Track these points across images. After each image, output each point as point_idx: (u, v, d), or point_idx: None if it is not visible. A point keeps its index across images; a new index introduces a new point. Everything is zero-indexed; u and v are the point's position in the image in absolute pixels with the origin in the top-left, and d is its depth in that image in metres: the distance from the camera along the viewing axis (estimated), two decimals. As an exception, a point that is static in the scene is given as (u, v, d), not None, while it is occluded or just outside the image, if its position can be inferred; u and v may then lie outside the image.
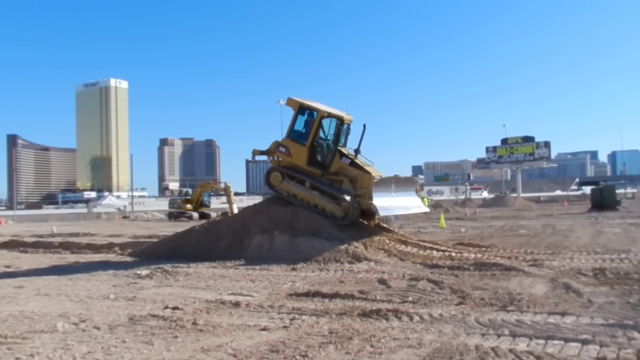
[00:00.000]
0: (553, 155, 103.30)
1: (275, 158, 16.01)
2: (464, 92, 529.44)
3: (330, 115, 15.43)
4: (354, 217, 14.47)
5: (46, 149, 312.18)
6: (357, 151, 15.24)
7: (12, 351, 5.72)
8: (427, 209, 17.03)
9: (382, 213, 14.70)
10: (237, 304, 7.90)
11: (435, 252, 13.18)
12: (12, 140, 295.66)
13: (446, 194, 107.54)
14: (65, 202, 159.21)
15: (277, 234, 13.85)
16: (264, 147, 16.45)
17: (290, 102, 15.61)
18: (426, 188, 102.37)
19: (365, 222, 15.44)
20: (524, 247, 14.89)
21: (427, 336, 5.92)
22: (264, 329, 6.42)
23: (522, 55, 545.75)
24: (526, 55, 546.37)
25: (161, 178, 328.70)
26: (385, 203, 14.44)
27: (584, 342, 5.51)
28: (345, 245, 12.94)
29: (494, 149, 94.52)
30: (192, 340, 6.02)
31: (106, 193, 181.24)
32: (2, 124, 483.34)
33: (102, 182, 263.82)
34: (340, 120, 15.40)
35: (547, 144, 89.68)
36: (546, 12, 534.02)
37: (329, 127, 15.52)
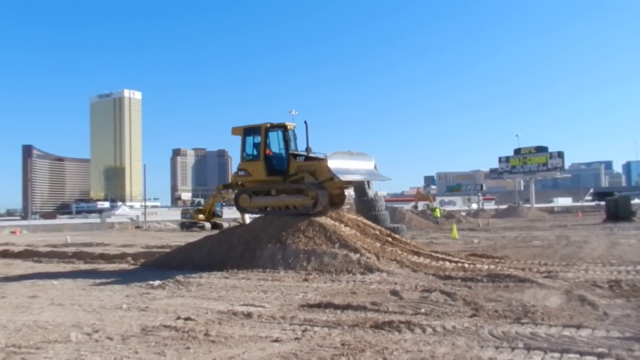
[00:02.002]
0: (567, 165, 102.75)
1: (239, 184, 16.77)
2: (476, 103, 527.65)
3: (273, 127, 16.29)
4: (324, 203, 15.12)
5: (60, 159, 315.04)
6: (307, 149, 15.98)
7: (26, 361, 5.76)
8: (385, 177, 17.83)
9: (338, 174, 14.95)
10: (249, 315, 7.89)
11: (448, 263, 13.10)
12: (27, 150, 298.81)
13: (459, 204, 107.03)
14: (79, 212, 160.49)
15: (289, 243, 13.84)
16: None
17: (235, 131, 16.76)
18: (438, 198, 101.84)
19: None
20: (538, 258, 14.75)
21: (440, 349, 5.87)
22: (275, 341, 6.41)
23: (536, 63, 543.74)
24: (540, 63, 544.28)
25: (174, 188, 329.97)
26: (340, 165, 15.10)
27: (600, 355, 5.44)
28: (358, 256, 12.90)
29: (507, 159, 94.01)
30: (204, 352, 6.02)
31: (119, 203, 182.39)
32: (17, 134, 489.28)
33: (116, 192, 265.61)
34: (284, 128, 16.21)
35: (560, 154, 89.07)
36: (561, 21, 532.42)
37: (276, 137, 16.30)
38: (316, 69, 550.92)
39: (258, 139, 16.13)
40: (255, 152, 16.27)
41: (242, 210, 16.84)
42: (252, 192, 16.16)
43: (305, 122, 15.88)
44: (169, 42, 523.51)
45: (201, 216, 44.58)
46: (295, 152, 16.11)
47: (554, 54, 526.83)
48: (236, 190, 16.98)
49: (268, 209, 15.79)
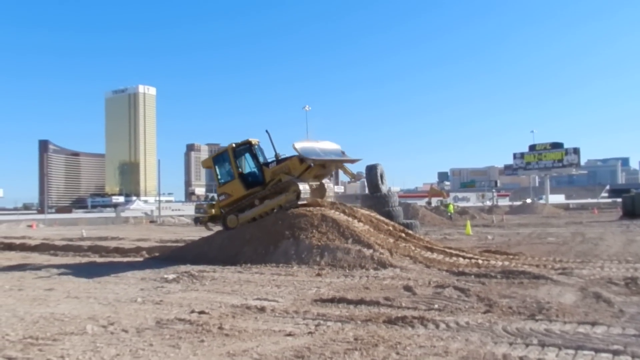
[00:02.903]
0: (583, 161, 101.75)
1: (222, 212, 17.30)
2: (490, 97, 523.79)
3: (238, 145, 17.16)
4: (306, 194, 15.73)
5: (76, 154, 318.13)
6: (277, 155, 16.93)
7: (43, 352, 5.85)
8: (355, 159, 18.26)
9: (305, 155, 15.71)
10: (262, 309, 7.93)
11: (461, 260, 13.05)
12: (43, 145, 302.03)
13: (472, 200, 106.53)
14: (94, 207, 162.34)
15: (302, 239, 13.87)
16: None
17: (205, 163, 17.85)
18: (452, 195, 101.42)
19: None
20: (553, 255, 14.64)
21: (453, 344, 5.86)
22: (289, 335, 6.43)
23: (551, 60, 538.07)
24: (555, 60, 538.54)
25: (187, 183, 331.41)
26: (306, 146, 16.05)
27: (615, 352, 5.39)
28: (371, 252, 12.89)
29: (522, 155, 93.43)
30: (218, 345, 6.06)
31: (134, 198, 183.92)
32: (34, 130, 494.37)
33: (130, 187, 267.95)
34: (249, 144, 17.13)
35: (576, 151, 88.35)
36: (578, 18, 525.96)
37: (244, 155, 17.23)
38: (331, 73, 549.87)
39: (228, 161, 16.92)
40: (229, 175, 17.04)
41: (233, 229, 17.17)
42: (237, 211, 16.78)
43: (267, 132, 16.83)
44: (183, 48, 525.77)
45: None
46: (266, 162, 17.07)
47: (571, 55, 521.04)
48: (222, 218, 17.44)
49: (257, 217, 16.27)
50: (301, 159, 15.87)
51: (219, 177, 17.28)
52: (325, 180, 17.82)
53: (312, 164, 15.92)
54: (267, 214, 16.02)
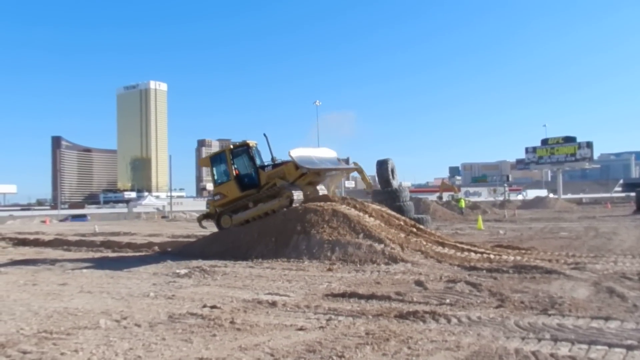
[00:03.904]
0: (596, 155, 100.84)
1: (216, 210, 17.51)
2: (502, 92, 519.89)
3: (236, 147, 17.49)
4: (299, 200, 15.91)
5: (88, 150, 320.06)
6: (273, 159, 17.29)
7: (57, 346, 5.90)
8: (350, 167, 18.91)
9: (302, 163, 15.95)
10: (273, 304, 7.95)
11: (473, 254, 13.00)
12: (56, 141, 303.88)
13: (484, 195, 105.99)
14: (106, 202, 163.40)
15: (313, 234, 13.88)
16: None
17: (202, 162, 18.71)
18: (463, 189, 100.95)
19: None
20: (565, 249, 14.55)
21: (465, 339, 5.84)
22: (300, 329, 6.44)
23: (564, 54, 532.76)
24: (568, 54, 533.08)
25: (199, 179, 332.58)
26: (302, 154, 16.29)
27: (629, 347, 5.35)
28: (382, 247, 12.88)
29: (534, 149, 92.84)
30: (230, 339, 6.09)
31: (146, 193, 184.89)
32: (47, 127, 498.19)
33: (142, 183, 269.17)
34: (247, 146, 17.33)
35: (589, 144, 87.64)
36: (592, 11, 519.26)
37: (241, 156, 17.35)
38: (343, 68, 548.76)
39: (225, 162, 17.12)
40: (225, 175, 17.25)
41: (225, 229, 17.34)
42: (230, 212, 17.00)
43: (265, 135, 17.02)
44: (194, 44, 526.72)
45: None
46: (263, 165, 17.31)
47: (584, 49, 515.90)
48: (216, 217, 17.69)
49: (250, 220, 16.42)
50: (297, 165, 16.08)
51: (216, 177, 17.54)
52: (319, 187, 18.09)
53: (306, 171, 16.16)
54: (260, 217, 16.22)
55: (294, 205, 15.84)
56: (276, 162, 17.07)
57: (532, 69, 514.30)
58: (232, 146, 17.58)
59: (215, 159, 17.65)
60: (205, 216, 18.58)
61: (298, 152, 16.12)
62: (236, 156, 17.26)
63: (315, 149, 17.26)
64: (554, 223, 28.68)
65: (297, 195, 15.88)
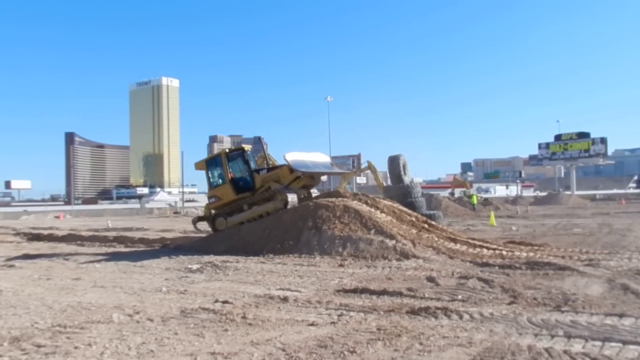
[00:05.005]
0: (610, 151, 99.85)
1: (211, 212, 17.86)
2: (514, 87, 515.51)
3: (231, 151, 17.95)
4: (293, 202, 16.08)
5: (101, 146, 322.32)
6: (267, 162, 17.92)
7: (71, 340, 5.96)
8: (343, 171, 19.49)
9: (296, 167, 16.34)
10: (285, 299, 7.96)
11: (485, 250, 12.93)
12: (69, 138, 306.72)
13: (498, 191, 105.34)
14: (119, 198, 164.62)
15: (325, 229, 13.87)
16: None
17: (198, 165, 18.09)
18: (475, 185, 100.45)
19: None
20: (579, 246, 14.43)
21: (477, 335, 5.82)
22: (312, 324, 6.45)
23: (578, 50, 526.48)
24: (582, 50, 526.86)
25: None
26: (297, 158, 16.66)
27: (644, 345, 5.29)
28: (394, 242, 12.85)
29: (547, 145, 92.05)
30: (242, 334, 6.11)
31: (158, 189, 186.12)
32: (60, 123, 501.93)
33: (154, 179, 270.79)
34: (242, 150, 17.83)
35: (603, 140, 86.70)
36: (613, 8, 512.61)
37: (236, 160, 17.70)
38: (355, 68, 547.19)
39: (220, 165, 17.36)
40: (220, 178, 17.56)
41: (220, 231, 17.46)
42: (225, 214, 17.29)
43: (260, 139, 17.68)
44: (204, 41, 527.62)
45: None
46: (257, 168, 17.72)
47: (600, 45, 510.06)
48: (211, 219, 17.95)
49: (245, 222, 16.56)
50: (291, 169, 16.35)
51: (211, 179, 17.82)
52: (313, 191, 18.39)
53: (301, 175, 16.44)
54: (255, 219, 16.38)
55: (287, 206, 16.10)
56: (270, 166, 17.68)
57: (547, 65, 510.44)
58: (227, 150, 18.02)
59: (211, 163, 17.93)
60: (200, 218, 18.91)
61: (293, 156, 16.49)
62: (231, 160, 17.60)
63: (309, 153, 17.59)
64: (567, 219, 28.45)
65: (292, 198, 16.09)
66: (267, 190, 16.67)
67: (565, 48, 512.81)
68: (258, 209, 16.63)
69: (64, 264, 13.57)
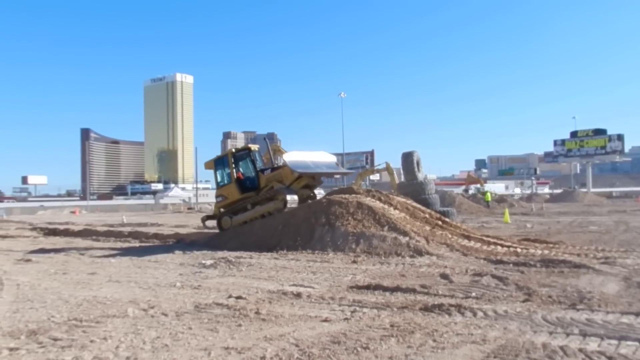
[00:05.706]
0: (627, 148, 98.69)
1: (220, 211, 18.23)
2: (529, 83, 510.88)
3: (238, 150, 18.37)
4: (293, 203, 16.17)
5: (116, 142, 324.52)
6: (272, 163, 18.23)
7: (86, 334, 6.02)
8: (346, 171, 20.02)
9: (293, 166, 16.57)
10: (298, 295, 7.98)
11: (499, 248, 12.86)
12: (85, 133, 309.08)
13: (511, 188, 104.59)
14: (134, 193, 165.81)
15: (338, 226, 13.87)
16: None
17: (207, 165, 18.43)
18: (490, 182, 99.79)
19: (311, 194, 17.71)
20: (595, 244, 14.30)
21: (491, 332, 5.79)
22: (325, 320, 6.46)
23: (595, 45, 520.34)
24: (598, 45, 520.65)
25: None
26: (296, 158, 16.99)
27: (661, 344, 5.23)
28: (407, 239, 12.82)
29: (563, 142, 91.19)
30: (256, 329, 6.13)
31: (172, 185, 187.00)
32: (76, 119, 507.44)
33: (169, 174, 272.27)
34: (248, 150, 18.19)
35: (620, 137, 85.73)
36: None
37: (243, 159, 18.05)
38: (367, 62, 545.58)
39: (227, 165, 17.69)
40: (227, 178, 17.92)
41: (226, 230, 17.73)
42: (231, 214, 17.62)
43: (265, 140, 17.81)
44: (221, 36, 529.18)
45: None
46: (262, 168, 18.00)
47: (615, 40, 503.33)
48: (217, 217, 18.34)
49: (248, 221, 16.77)
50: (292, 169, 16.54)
51: (218, 179, 18.20)
52: (316, 190, 18.41)
53: (299, 175, 16.62)
54: (257, 219, 16.54)
55: (286, 206, 16.22)
56: (274, 166, 17.93)
57: (563, 61, 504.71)
58: (233, 150, 18.35)
59: (219, 162, 18.22)
60: (209, 217, 19.35)
61: (292, 157, 16.85)
62: (238, 160, 17.90)
63: (312, 153, 17.78)
64: (583, 217, 28.21)
65: (292, 198, 16.27)
66: (270, 190, 16.89)
67: (582, 42, 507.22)
68: (260, 208, 16.87)
69: (79, 258, 13.72)
